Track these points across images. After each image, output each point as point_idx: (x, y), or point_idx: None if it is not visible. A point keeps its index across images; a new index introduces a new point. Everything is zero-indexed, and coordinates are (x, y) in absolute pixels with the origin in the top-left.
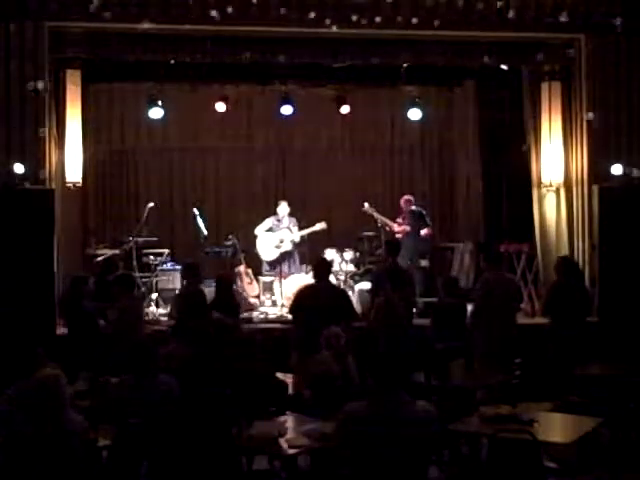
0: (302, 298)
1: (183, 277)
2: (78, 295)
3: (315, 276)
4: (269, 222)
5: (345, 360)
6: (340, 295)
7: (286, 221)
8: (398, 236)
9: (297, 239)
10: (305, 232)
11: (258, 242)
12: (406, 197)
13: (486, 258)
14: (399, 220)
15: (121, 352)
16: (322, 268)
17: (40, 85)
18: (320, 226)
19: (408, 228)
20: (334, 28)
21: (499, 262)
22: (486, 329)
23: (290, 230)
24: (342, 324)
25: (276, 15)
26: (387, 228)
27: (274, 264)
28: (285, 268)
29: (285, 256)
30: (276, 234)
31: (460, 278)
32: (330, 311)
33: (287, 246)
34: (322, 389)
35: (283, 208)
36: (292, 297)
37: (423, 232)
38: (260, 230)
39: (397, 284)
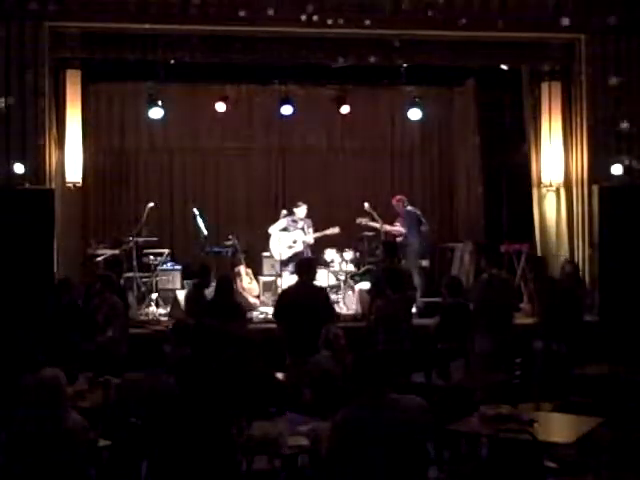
0: (282, 301)
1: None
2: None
3: (297, 276)
4: (284, 222)
5: (345, 360)
6: (317, 294)
7: (301, 223)
8: (399, 239)
9: (311, 240)
10: (317, 235)
11: (271, 241)
12: (398, 197)
13: (487, 259)
14: (396, 224)
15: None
16: (302, 268)
17: (10, 100)
18: (332, 230)
19: (403, 230)
20: (334, 28)
21: (499, 262)
22: (484, 329)
23: (304, 232)
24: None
25: (276, 15)
26: (386, 228)
27: (286, 264)
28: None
29: (297, 257)
30: (290, 234)
31: (460, 278)
32: (309, 311)
33: (299, 247)
34: (321, 389)
35: (302, 210)
36: (276, 300)
37: (424, 229)
38: (274, 229)
39: (397, 285)
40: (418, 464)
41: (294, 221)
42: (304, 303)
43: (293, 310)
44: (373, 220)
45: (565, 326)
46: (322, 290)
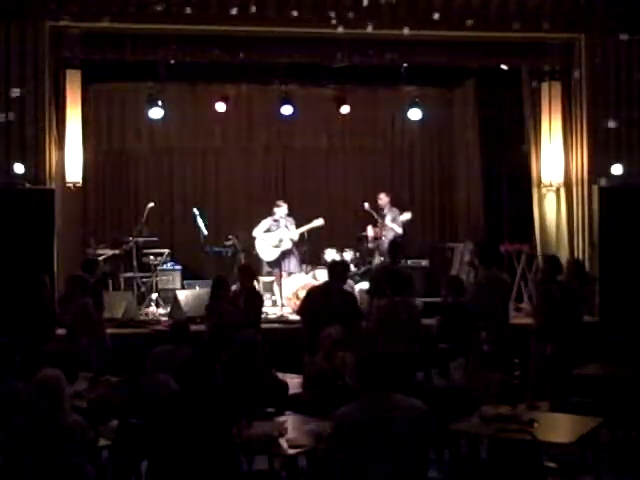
0: (310, 299)
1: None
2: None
3: (329, 277)
4: (266, 223)
5: (334, 360)
6: (345, 296)
7: (283, 221)
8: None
9: (295, 237)
10: (303, 229)
11: (257, 244)
12: (385, 194)
13: (480, 258)
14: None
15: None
16: (334, 270)
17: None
18: (317, 222)
19: (400, 230)
20: (335, 28)
21: (492, 262)
22: (481, 328)
23: (288, 229)
24: (348, 325)
25: (276, 15)
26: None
27: (274, 264)
28: (285, 267)
29: (285, 255)
30: (275, 234)
31: (460, 278)
32: (335, 312)
33: (286, 245)
34: (319, 390)
35: (283, 210)
36: (302, 298)
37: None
38: (258, 232)
39: (397, 285)
40: (418, 465)
41: (276, 220)
42: (331, 304)
43: (319, 309)
44: (373, 220)
45: (566, 327)
46: (350, 293)
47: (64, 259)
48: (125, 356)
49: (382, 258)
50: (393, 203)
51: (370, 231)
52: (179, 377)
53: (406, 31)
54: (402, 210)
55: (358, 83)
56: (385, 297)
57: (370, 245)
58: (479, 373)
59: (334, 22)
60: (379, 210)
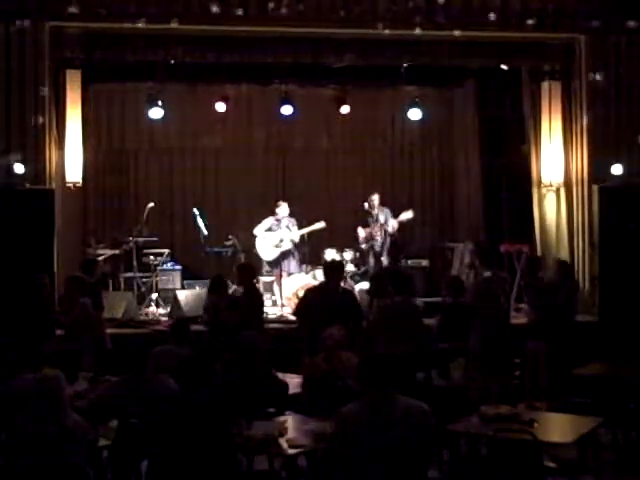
0: (308, 300)
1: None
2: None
3: (324, 277)
4: (268, 222)
5: (334, 361)
6: (345, 295)
7: (285, 221)
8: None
9: (296, 238)
10: (304, 231)
11: (257, 242)
12: (377, 194)
13: (480, 259)
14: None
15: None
16: (331, 270)
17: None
18: (319, 225)
19: (393, 230)
20: (334, 28)
21: (493, 262)
22: (481, 328)
23: (289, 229)
24: (349, 325)
25: (276, 15)
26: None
27: (274, 264)
28: (285, 267)
29: (285, 255)
30: (275, 234)
31: (461, 278)
32: (335, 312)
33: (287, 245)
34: (316, 390)
35: (283, 209)
36: (299, 299)
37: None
38: (259, 230)
39: (397, 285)
40: (418, 465)
41: (277, 220)
42: (331, 303)
43: (318, 309)
44: (373, 218)
45: (555, 326)
46: (349, 291)
47: (64, 259)
48: (125, 356)
49: (382, 258)
50: (390, 203)
51: (361, 232)
52: (179, 377)
53: (457, 33)
54: (400, 210)
55: (358, 83)
56: (385, 297)
57: (363, 246)
58: (479, 373)
59: (335, 22)
60: (372, 210)
